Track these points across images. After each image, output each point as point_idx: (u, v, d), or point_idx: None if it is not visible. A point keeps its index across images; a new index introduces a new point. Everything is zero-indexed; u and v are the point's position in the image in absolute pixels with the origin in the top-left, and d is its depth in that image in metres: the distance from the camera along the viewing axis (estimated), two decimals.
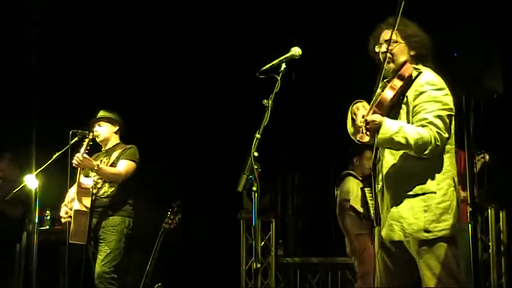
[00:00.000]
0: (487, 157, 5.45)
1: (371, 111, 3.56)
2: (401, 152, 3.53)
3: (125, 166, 5.63)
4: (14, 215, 7.08)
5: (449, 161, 3.54)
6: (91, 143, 5.61)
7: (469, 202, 4.27)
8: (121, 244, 5.58)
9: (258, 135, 3.42)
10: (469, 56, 4.50)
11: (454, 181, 3.52)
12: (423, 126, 3.45)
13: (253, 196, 3.45)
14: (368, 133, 3.55)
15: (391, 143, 3.47)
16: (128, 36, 7.79)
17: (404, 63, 3.63)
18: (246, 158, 3.41)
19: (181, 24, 7.77)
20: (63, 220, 5.64)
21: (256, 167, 3.40)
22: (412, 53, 3.65)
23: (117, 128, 5.90)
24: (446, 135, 3.46)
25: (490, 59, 4.68)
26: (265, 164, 3.44)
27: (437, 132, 3.42)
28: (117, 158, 5.71)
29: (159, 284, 5.71)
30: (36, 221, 5.75)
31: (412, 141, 3.41)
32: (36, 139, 7.37)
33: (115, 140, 5.89)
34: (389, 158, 3.57)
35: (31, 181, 5.92)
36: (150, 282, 5.72)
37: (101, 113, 5.90)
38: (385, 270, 3.64)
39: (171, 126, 7.74)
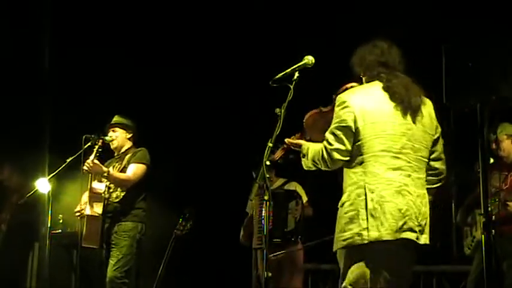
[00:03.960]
0: None
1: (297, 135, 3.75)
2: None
3: (134, 170, 5.65)
4: (26, 220, 7.13)
5: (362, 170, 3.47)
6: (100, 149, 5.61)
7: (482, 212, 4.23)
8: (133, 249, 5.58)
9: (270, 144, 3.42)
10: (484, 65, 4.46)
11: (366, 190, 3.43)
12: None
13: (264, 204, 3.45)
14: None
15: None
16: (142, 41, 7.82)
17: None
18: (258, 166, 3.41)
19: (196, 31, 7.78)
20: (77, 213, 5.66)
21: (268, 175, 3.40)
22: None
23: (131, 134, 5.91)
24: (335, 146, 3.46)
25: (506, 68, 4.65)
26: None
27: (325, 146, 3.49)
28: (128, 162, 5.72)
29: None
30: (49, 225, 5.78)
31: (310, 158, 3.58)
32: (49, 144, 7.41)
33: (128, 145, 5.90)
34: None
35: (43, 185, 5.95)
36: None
37: (116, 119, 5.92)
38: None
39: (185, 132, 7.74)
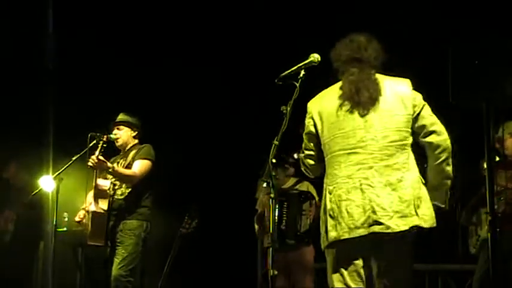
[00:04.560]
0: None
1: None
2: None
3: (139, 166, 5.64)
4: (32, 218, 7.14)
5: (326, 173, 3.61)
6: (105, 145, 5.60)
7: (488, 211, 4.21)
8: (138, 248, 5.58)
9: (276, 142, 3.42)
10: (490, 63, 4.45)
11: (326, 191, 3.55)
12: None
13: (270, 203, 3.44)
14: None
15: None
16: (147, 39, 7.82)
17: None
18: (263, 164, 3.41)
19: (201, 28, 7.78)
20: (77, 219, 5.67)
21: (274, 173, 3.40)
22: None
23: (136, 132, 5.92)
24: (306, 153, 3.72)
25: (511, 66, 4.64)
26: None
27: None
28: (133, 159, 5.72)
29: None
30: (54, 222, 5.78)
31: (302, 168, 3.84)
32: (54, 142, 7.41)
33: (133, 143, 5.91)
34: None
35: (48, 183, 5.96)
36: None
37: (120, 116, 5.92)
38: None
39: (189, 130, 7.75)
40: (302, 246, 6.00)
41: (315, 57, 3.61)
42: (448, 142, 3.54)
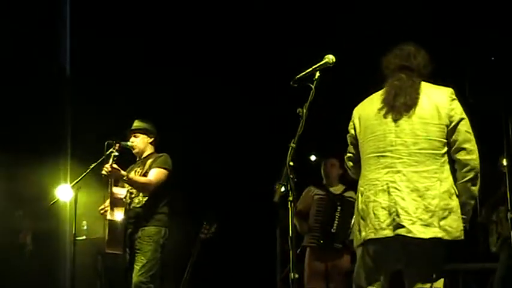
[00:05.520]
0: None
1: None
2: None
3: (155, 174, 5.63)
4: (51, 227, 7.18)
5: (361, 173, 3.73)
6: (117, 153, 5.58)
7: (509, 208, 4.18)
8: (157, 254, 5.58)
9: (293, 145, 3.40)
10: (507, 60, 4.42)
11: (358, 193, 3.67)
12: None
13: (289, 206, 3.42)
14: None
15: None
16: (163, 46, 7.84)
17: None
18: (281, 167, 3.39)
19: (216, 33, 7.80)
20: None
21: (292, 176, 3.38)
22: None
23: (152, 139, 5.91)
24: (347, 154, 3.88)
25: None
26: (299, 171, 3.42)
27: None
28: (150, 167, 5.72)
29: None
30: (74, 231, 5.80)
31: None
32: (71, 150, 7.44)
33: (149, 150, 5.90)
34: None
35: (66, 192, 5.97)
36: None
37: (136, 124, 5.92)
38: None
39: (206, 134, 7.75)
40: (345, 253, 6.01)
41: (330, 58, 3.58)
42: (477, 163, 3.53)
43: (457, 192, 3.52)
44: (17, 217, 7.41)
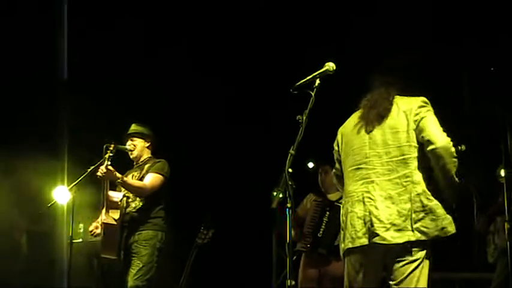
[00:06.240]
0: None
1: None
2: None
3: (151, 179, 5.63)
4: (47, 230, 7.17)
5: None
6: (111, 154, 5.56)
7: (507, 219, 4.19)
8: (153, 258, 5.57)
9: (292, 152, 3.40)
10: (505, 69, 4.44)
11: (341, 206, 3.84)
12: None
13: (287, 213, 3.42)
14: None
15: None
16: (160, 48, 7.84)
17: None
18: (279, 174, 3.40)
19: (215, 37, 7.80)
20: (90, 228, 5.67)
21: (290, 183, 3.38)
22: None
23: (149, 143, 5.91)
24: (334, 171, 4.03)
25: None
26: (298, 178, 3.44)
27: None
28: (147, 172, 5.72)
29: None
30: (70, 234, 5.79)
31: None
32: (68, 152, 7.43)
33: (147, 154, 5.90)
34: None
35: (63, 194, 5.96)
36: None
37: (133, 128, 5.90)
38: None
39: (203, 139, 7.75)
40: (339, 259, 5.99)
41: (330, 66, 3.59)
42: (441, 150, 3.51)
43: (429, 194, 3.52)
44: (13, 218, 7.38)
